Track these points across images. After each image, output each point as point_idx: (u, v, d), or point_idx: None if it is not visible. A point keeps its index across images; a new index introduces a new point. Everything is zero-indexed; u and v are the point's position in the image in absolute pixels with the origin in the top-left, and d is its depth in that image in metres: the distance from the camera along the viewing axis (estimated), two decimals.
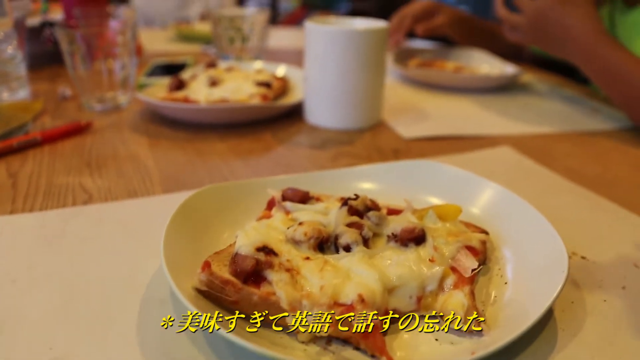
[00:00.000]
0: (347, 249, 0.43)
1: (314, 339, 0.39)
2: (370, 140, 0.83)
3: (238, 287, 0.39)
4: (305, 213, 0.48)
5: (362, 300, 0.38)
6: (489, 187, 0.56)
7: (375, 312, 0.38)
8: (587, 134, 0.89)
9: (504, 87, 1.13)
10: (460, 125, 0.90)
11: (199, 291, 0.40)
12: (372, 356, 0.38)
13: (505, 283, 0.46)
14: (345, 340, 0.39)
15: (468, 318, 0.40)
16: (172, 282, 0.38)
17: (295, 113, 0.91)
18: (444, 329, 0.41)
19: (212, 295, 0.40)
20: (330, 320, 0.37)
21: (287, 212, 0.49)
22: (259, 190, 0.55)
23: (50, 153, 0.76)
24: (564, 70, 1.26)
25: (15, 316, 0.42)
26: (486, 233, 0.50)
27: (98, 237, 0.54)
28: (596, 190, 0.66)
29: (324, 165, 0.73)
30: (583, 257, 0.52)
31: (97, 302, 0.44)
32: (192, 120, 0.86)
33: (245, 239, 0.43)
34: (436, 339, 0.40)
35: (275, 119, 0.88)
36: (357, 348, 0.39)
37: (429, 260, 0.43)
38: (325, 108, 0.85)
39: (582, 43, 0.90)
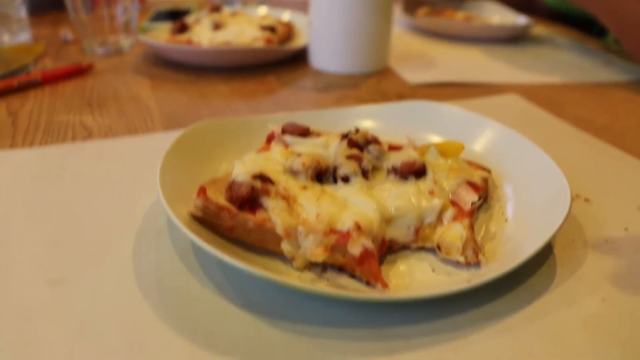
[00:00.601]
0: (346, 180, 0.43)
1: (309, 266, 0.39)
2: (375, 84, 0.81)
3: (233, 213, 0.39)
4: (304, 146, 0.47)
5: (358, 227, 0.37)
6: (492, 127, 0.55)
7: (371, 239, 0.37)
8: (599, 85, 0.87)
9: (514, 39, 1.10)
10: (468, 73, 0.89)
11: (195, 217, 0.40)
12: (367, 283, 0.37)
13: (506, 220, 0.45)
14: (340, 268, 0.39)
15: (466, 249, 0.40)
16: (167, 207, 0.38)
17: (300, 58, 0.90)
18: (441, 259, 0.41)
19: (208, 221, 0.40)
20: (326, 247, 0.37)
21: (287, 146, 0.48)
22: (259, 126, 0.54)
23: (51, 93, 0.75)
24: (576, 24, 1.22)
25: (12, 243, 0.42)
26: (488, 171, 0.49)
27: (97, 172, 0.53)
28: (604, 139, 0.65)
29: (326, 107, 0.71)
30: (587, 200, 0.51)
31: (94, 233, 0.44)
32: (195, 62, 0.85)
33: (242, 167, 0.42)
34: (433, 270, 0.40)
35: (279, 63, 0.87)
36: (352, 276, 0.38)
37: (429, 192, 0.43)
38: (330, 52, 0.84)
39: None
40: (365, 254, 0.36)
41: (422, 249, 0.42)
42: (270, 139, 0.50)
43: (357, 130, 0.47)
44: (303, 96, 0.76)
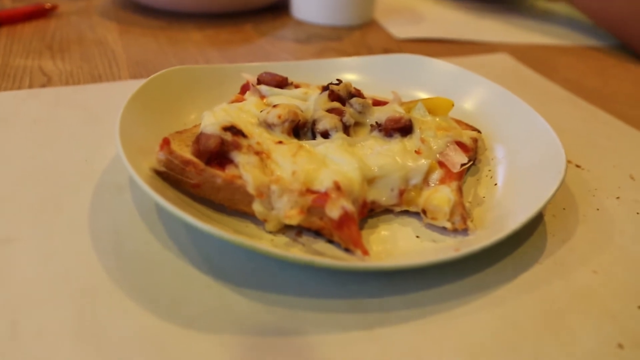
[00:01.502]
0: (325, 135, 0.39)
1: (283, 229, 0.35)
2: (360, 38, 0.77)
3: (200, 169, 0.35)
4: (282, 98, 0.43)
5: (337, 187, 0.34)
6: (483, 85, 0.52)
7: (351, 201, 0.34)
8: (590, 48, 0.84)
9: None
10: (456, 30, 0.84)
11: (158, 173, 0.36)
12: (346, 249, 0.34)
13: (495, 184, 0.42)
14: (317, 232, 0.35)
15: (454, 215, 0.36)
16: (126, 161, 0.33)
17: (280, 7, 0.85)
18: (426, 225, 0.38)
19: (172, 177, 0.36)
20: (301, 208, 0.33)
21: (262, 97, 0.44)
22: (232, 76, 0.49)
23: (8, 35, 0.69)
24: None
25: None
26: (478, 132, 0.46)
27: (54, 121, 0.49)
28: (595, 104, 0.62)
29: (308, 59, 0.67)
30: (578, 166, 0.48)
31: (47, 187, 0.40)
32: (168, 7, 0.79)
33: (212, 118, 0.38)
34: (417, 236, 0.37)
35: (258, 11, 0.82)
36: (330, 241, 0.35)
37: (415, 152, 0.39)
38: (313, 1, 0.78)
39: None
40: (345, 218, 0.33)
41: (405, 213, 0.39)
42: (244, 89, 0.46)
43: (339, 82, 0.43)
44: (282, 47, 0.71)
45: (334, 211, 0.33)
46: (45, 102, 0.52)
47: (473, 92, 0.52)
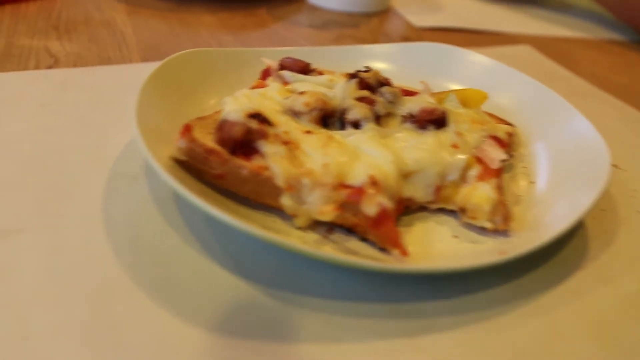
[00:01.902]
0: (356, 125, 0.36)
1: (313, 225, 0.33)
2: (377, 25, 0.74)
3: (224, 158, 0.32)
4: (306, 84, 0.41)
5: (374, 182, 0.31)
6: (517, 77, 0.49)
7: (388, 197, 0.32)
8: (614, 42, 0.81)
9: None
10: (476, 19, 0.81)
11: (178, 162, 0.33)
12: (382, 249, 0.32)
13: (532, 182, 0.40)
14: (349, 229, 0.33)
15: (495, 214, 0.34)
16: (144, 148, 0.31)
17: None
18: (463, 224, 0.35)
19: (193, 167, 0.33)
20: (335, 203, 0.31)
21: (285, 83, 0.41)
22: (252, 60, 0.47)
23: (12, 13, 0.66)
24: None
25: None
26: (512, 126, 0.43)
27: (63, 104, 0.46)
28: (624, 100, 0.59)
29: (325, 45, 0.64)
30: (615, 166, 0.45)
31: (56, 175, 0.37)
32: None
33: (235, 104, 0.35)
34: (455, 236, 0.35)
35: None
36: (363, 239, 0.33)
37: (452, 146, 0.37)
38: None
39: None
40: (383, 215, 0.30)
41: (441, 210, 0.36)
42: (265, 74, 0.43)
43: (368, 69, 0.40)
44: (298, 32, 0.68)
45: (370, 208, 0.30)
46: (52, 84, 0.49)
47: (504, 85, 0.49)
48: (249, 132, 0.32)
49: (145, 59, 0.56)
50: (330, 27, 0.71)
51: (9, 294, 0.27)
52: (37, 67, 0.53)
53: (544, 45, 0.75)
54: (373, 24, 0.74)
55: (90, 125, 0.43)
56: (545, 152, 0.42)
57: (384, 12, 0.79)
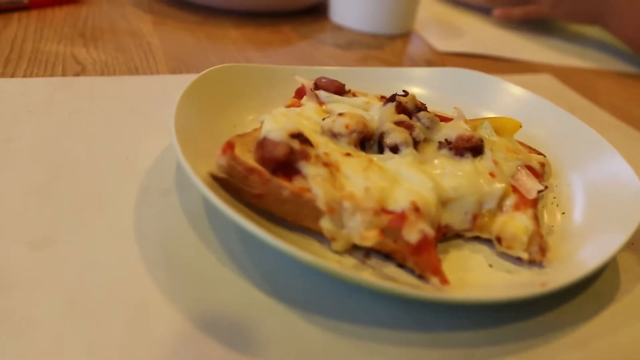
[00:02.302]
0: (395, 149, 0.36)
1: (350, 249, 0.32)
2: (401, 47, 0.74)
3: (265, 178, 0.32)
4: (342, 106, 0.41)
5: (416, 208, 0.31)
6: (549, 108, 0.49)
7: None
8: (630, 75, 0.81)
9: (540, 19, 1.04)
10: (497, 46, 0.82)
11: (216, 179, 0.33)
12: (420, 276, 0.31)
13: (563, 213, 0.40)
14: (387, 255, 0.32)
15: (531, 245, 0.34)
16: (186, 164, 0.31)
17: (318, 11, 0.82)
18: (498, 253, 0.35)
19: (232, 185, 0.33)
20: (378, 228, 0.30)
21: (321, 103, 0.41)
22: (285, 77, 0.47)
23: (39, 19, 0.66)
24: None
25: None
26: (543, 156, 0.43)
27: (91, 112, 0.46)
28: None
29: (353, 66, 0.64)
30: None
31: (87, 185, 0.36)
32: (204, 2, 0.76)
33: (274, 123, 0.35)
34: (490, 265, 0.34)
35: (295, 13, 0.79)
36: (400, 265, 0.32)
37: (489, 174, 0.36)
38: (354, 7, 0.76)
39: None
40: (424, 242, 0.30)
41: (475, 239, 0.36)
42: (300, 93, 0.43)
43: (405, 93, 0.40)
44: (324, 51, 0.68)
45: (412, 234, 0.30)
46: (80, 92, 0.49)
47: (536, 115, 0.49)
48: (291, 152, 0.32)
49: (173, 70, 0.56)
50: (355, 47, 0.71)
51: (41, 308, 0.27)
52: (64, 74, 0.52)
53: (563, 74, 0.75)
54: (397, 46, 0.74)
55: (120, 135, 0.43)
56: (575, 184, 0.42)
57: (406, 35, 0.79)
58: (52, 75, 0.52)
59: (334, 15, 0.79)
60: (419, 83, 0.52)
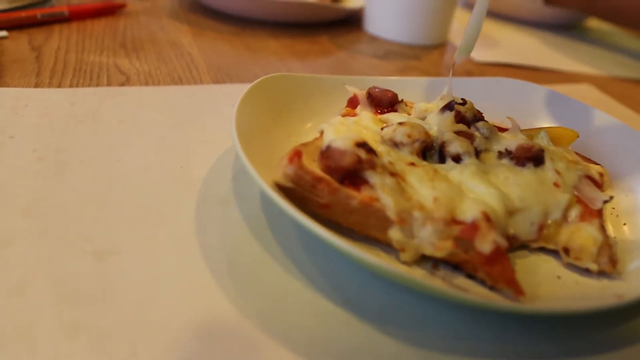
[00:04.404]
0: (457, 159, 0.35)
1: (419, 260, 0.32)
2: (438, 58, 0.74)
3: (334, 188, 0.31)
4: (398, 115, 0.40)
5: (487, 218, 0.30)
6: (600, 118, 0.48)
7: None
8: None
9: (573, 27, 1.03)
10: (533, 57, 0.81)
11: (281, 188, 0.33)
12: (491, 287, 0.31)
13: (624, 224, 0.39)
14: (455, 265, 0.32)
15: (601, 256, 0.33)
16: (253, 171, 0.30)
17: (353, 21, 0.82)
18: (566, 264, 0.34)
19: (298, 194, 0.32)
20: (450, 239, 0.30)
21: (376, 112, 0.41)
22: (335, 87, 0.46)
23: (79, 30, 0.67)
24: None
25: (43, 200, 0.34)
26: (601, 166, 0.42)
27: (139, 121, 0.46)
28: None
29: (392, 76, 0.64)
30: None
31: (145, 195, 0.36)
32: (240, 13, 0.76)
33: (336, 133, 0.35)
34: (558, 277, 0.33)
35: (331, 24, 0.79)
36: (470, 276, 0.32)
37: (553, 184, 0.36)
38: (389, 18, 0.76)
39: None
40: (497, 252, 0.29)
41: (541, 249, 0.35)
42: (353, 103, 0.43)
43: (464, 102, 0.40)
44: (362, 61, 0.68)
45: (484, 245, 0.29)
46: (127, 102, 0.49)
47: (591, 125, 0.48)
48: (359, 161, 0.32)
49: (216, 80, 0.56)
50: (392, 57, 0.71)
51: (111, 320, 0.26)
52: (109, 84, 0.53)
53: (602, 84, 0.74)
54: (434, 56, 0.74)
55: (171, 144, 0.43)
56: (632, 194, 0.41)
57: (442, 45, 0.79)
58: (97, 85, 0.52)
59: (369, 26, 0.79)
60: (467, 93, 0.51)
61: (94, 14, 0.72)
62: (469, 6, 1.08)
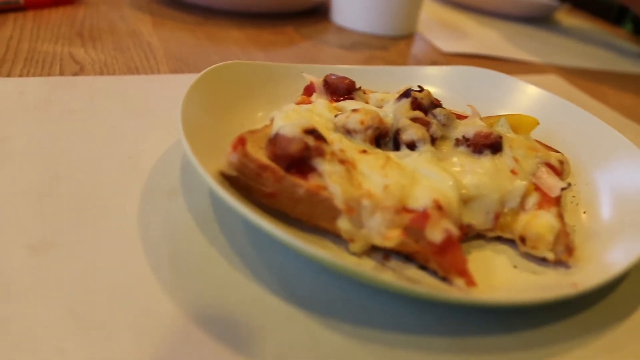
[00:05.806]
0: (412, 146, 0.34)
1: (369, 251, 0.31)
2: (405, 48, 0.73)
3: (279, 176, 0.30)
4: (354, 103, 0.39)
5: (438, 207, 0.29)
6: (562, 106, 0.47)
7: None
8: (637, 76, 0.80)
9: (541, 20, 1.03)
10: (502, 47, 0.81)
11: (226, 177, 0.31)
12: (443, 278, 0.30)
13: (584, 212, 0.38)
14: (407, 256, 0.31)
15: (557, 245, 0.32)
16: (195, 161, 0.29)
17: (319, 12, 0.81)
18: (522, 254, 0.33)
19: (243, 183, 0.31)
20: (399, 228, 0.29)
21: (331, 100, 0.40)
22: (292, 75, 0.45)
23: (35, 19, 0.64)
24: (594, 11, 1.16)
25: None
26: (561, 154, 0.42)
27: (91, 111, 0.44)
28: None
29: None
30: None
31: (89, 185, 0.34)
32: (204, 2, 0.74)
33: (286, 119, 0.33)
34: (514, 266, 0.33)
35: (297, 14, 0.77)
36: (422, 267, 0.30)
37: (510, 172, 0.35)
38: (356, 8, 0.75)
39: None
40: (448, 242, 0.28)
41: (497, 239, 0.34)
42: (309, 90, 0.41)
43: (421, 89, 0.39)
44: (327, 51, 0.67)
45: (435, 234, 0.28)
46: (79, 92, 0.47)
47: (551, 113, 0.47)
48: (306, 148, 0.30)
49: (174, 70, 0.54)
50: (359, 48, 0.69)
51: (43, 316, 0.25)
52: (62, 74, 0.51)
53: (569, 75, 0.74)
54: (401, 47, 0.73)
55: (122, 134, 0.41)
56: (594, 183, 0.41)
57: (409, 37, 0.78)
58: (49, 74, 0.50)
59: (336, 17, 0.78)
60: (430, 81, 0.50)
61: (51, 2, 0.69)
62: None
